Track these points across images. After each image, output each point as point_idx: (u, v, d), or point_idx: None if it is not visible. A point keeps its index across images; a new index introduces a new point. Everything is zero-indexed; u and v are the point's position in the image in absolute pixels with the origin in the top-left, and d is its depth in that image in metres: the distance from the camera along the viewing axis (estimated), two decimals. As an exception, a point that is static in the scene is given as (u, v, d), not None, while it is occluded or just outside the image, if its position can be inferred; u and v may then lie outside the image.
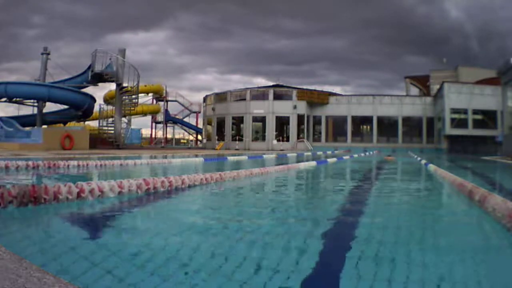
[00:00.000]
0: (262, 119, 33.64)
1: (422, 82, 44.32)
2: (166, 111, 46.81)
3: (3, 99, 20.49)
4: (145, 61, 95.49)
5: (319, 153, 22.62)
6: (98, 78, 22.77)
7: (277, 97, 33.64)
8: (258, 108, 33.27)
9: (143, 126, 60.38)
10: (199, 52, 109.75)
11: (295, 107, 33.00)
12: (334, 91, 38.90)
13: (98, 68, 22.07)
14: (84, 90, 23.22)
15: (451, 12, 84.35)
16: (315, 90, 36.40)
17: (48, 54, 22.85)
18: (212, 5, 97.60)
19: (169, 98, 46.93)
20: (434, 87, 37.94)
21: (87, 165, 7.14)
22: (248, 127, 33.65)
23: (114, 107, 23.98)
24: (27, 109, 23.90)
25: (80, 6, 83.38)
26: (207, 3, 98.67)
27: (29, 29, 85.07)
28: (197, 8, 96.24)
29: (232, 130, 35.63)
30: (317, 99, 34.85)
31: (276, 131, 33.35)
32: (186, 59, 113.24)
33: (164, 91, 45.65)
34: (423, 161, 11.42)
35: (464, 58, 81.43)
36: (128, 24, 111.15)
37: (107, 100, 32.04)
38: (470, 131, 29.20)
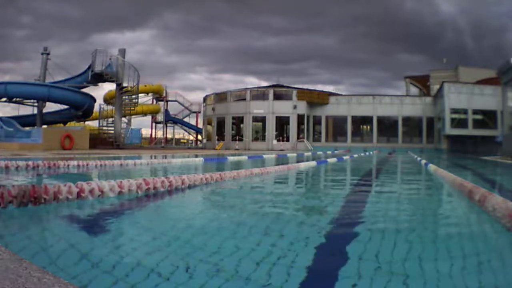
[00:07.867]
0: (262, 119, 33.65)
1: (422, 82, 44.32)
2: (166, 111, 46.83)
3: (3, 99, 20.49)
4: (134, 61, 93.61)
5: (319, 153, 22.61)
6: (98, 78, 22.78)
7: (277, 97, 33.66)
8: (258, 108, 33.28)
9: (143, 126, 60.30)
10: (187, 51, 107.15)
11: (295, 107, 33.00)
12: (330, 91, 38.99)
13: (98, 68, 22.08)
14: (84, 90, 23.22)
15: (442, 7, 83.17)
16: (315, 90, 36.45)
17: (48, 54, 22.84)
18: (197, 3, 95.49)
19: (169, 98, 46.95)
20: (434, 87, 37.95)
21: (87, 165, 7.13)
22: (248, 127, 33.66)
23: (114, 107, 23.98)
24: (27, 109, 23.92)
25: (67, 6, 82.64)
26: (191, 1, 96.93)
27: (18, 30, 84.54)
28: (182, 7, 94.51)
29: (232, 130, 35.64)
30: (317, 99, 34.87)
31: (276, 131, 33.36)
32: (175, 58, 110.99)
33: (164, 91, 45.66)
34: (423, 161, 11.41)
35: (459, 56, 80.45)
36: (114, 24, 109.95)
37: (107, 100, 32.02)
38: (470, 131, 29.20)
